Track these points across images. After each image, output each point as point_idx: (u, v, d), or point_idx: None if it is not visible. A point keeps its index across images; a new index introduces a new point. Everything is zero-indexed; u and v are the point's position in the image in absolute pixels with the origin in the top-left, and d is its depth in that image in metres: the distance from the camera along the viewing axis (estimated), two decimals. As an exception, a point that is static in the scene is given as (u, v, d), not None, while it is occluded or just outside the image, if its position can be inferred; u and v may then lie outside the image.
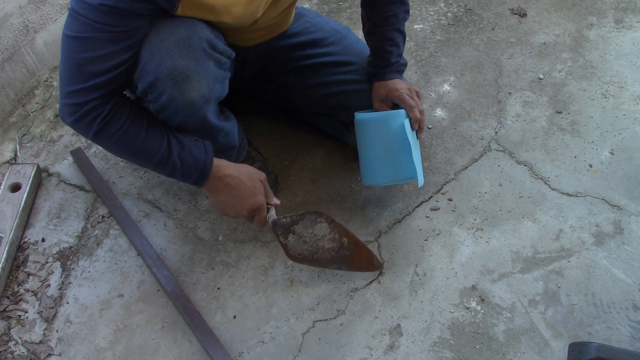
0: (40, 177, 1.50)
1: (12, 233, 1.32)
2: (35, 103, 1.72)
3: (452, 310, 1.19)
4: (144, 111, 1.07)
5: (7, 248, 1.29)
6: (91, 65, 0.96)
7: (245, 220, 1.20)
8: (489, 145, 1.52)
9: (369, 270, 1.25)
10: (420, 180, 1.25)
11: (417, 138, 1.30)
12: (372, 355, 1.14)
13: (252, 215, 1.18)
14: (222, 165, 1.14)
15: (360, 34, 1.44)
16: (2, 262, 1.27)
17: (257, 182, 1.17)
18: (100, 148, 1.55)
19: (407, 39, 1.53)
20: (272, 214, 1.19)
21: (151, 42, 0.98)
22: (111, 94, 1.01)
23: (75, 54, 0.96)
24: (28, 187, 1.42)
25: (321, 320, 1.20)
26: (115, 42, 0.95)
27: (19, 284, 1.28)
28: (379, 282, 1.25)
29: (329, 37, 1.37)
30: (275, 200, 1.21)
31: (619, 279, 1.22)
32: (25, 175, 1.44)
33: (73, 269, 1.31)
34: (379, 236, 1.34)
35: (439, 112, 1.61)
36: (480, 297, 1.21)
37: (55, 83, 1.77)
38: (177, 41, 0.98)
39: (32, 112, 1.69)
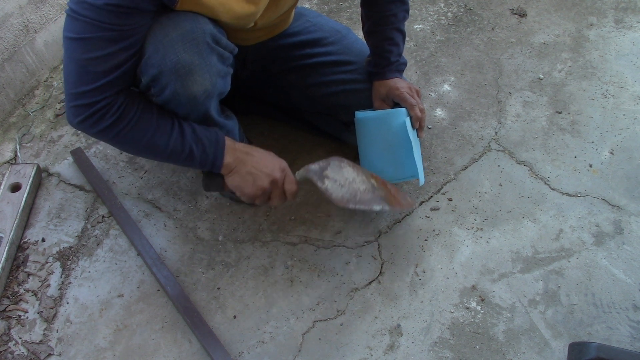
0: (40, 177, 1.50)
1: (12, 233, 1.32)
2: (35, 103, 1.72)
3: (452, 310, 1.19)
4: (152, 102, 1.07)
5: (7, 248, 1.29)
6: (97, 65, 0.96)
7: (274, 194, 1.15)
8: (489, 145, 1.52)
9: (407, 207, 1.25)
10: (421, 179, 1.25)
11: (418, 137, 1.30)
12: (372, 355, 1.14)
13: (282, 177, 1.14)
14: (235, 140, 1.15)
15: (360, 34, 1.44)
16: (2, 262, 1.27)
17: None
18: (101, 148, 1.56)
19: (407, 39, 1.53)
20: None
21: (155, 35, 0.98)
22: (121, 90, 1.01)
23: (79, 55, 0.96)
24: (28, 187, 1.42)
25: (321, 320, 1.20)
26: (118, 41, 0.95)
27: (19, 284, 1.28)
28: (379, 282, 1.25)
29: (329, 36, 1.37)
30: None
31: (619, 279, 1.22)
32: (25, 175, 1.44)
33: (73, 269, 1.31)
34: (379, 236, 1.33)
35: (439, 112, 1.61)
36: (480, 297, 1.21)
37: (56, 83, 1.77)
38: (180, 35, 0.98)
39: (32, 112, 1.68)
